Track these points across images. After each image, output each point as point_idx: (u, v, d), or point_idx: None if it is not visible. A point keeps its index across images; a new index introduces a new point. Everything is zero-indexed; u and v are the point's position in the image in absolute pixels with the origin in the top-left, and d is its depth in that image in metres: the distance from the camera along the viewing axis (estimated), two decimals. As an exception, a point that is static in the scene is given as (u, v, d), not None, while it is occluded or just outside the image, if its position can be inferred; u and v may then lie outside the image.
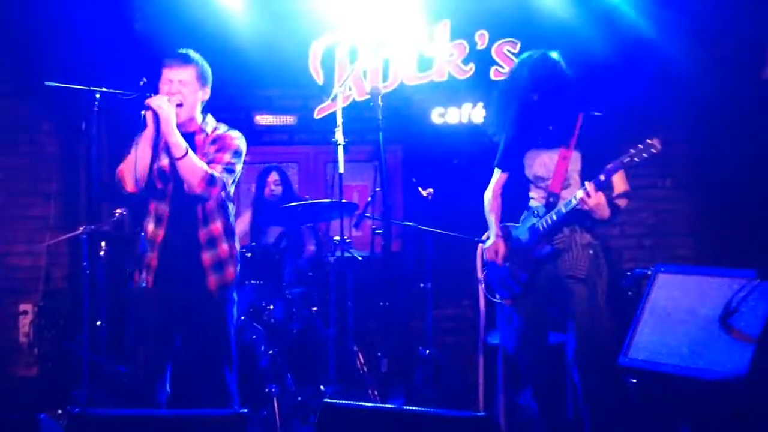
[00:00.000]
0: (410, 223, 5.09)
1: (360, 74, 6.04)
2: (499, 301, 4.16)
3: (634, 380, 3.64)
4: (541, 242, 3.86)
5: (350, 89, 6.00)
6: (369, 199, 5.18)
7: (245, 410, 2.89)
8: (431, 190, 5.12)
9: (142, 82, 3.61)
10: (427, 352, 5.14)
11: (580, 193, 3.67)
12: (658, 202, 6.27)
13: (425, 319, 5.14)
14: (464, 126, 6.09)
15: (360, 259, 5.23)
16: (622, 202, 3.84)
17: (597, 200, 3.65)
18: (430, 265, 5.10)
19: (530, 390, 4.13)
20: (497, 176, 4.16)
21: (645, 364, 3.38)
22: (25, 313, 5.83)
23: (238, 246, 3.85)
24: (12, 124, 5.95)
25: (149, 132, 3.58)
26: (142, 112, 3.54)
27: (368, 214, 5.14)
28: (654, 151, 3.53)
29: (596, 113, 3.90)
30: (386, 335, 4.82)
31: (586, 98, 3.93)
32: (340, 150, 4.38)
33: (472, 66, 6.00)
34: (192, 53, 3.74)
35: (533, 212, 3.93)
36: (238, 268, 3.82)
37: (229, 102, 5.97)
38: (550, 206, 3.84)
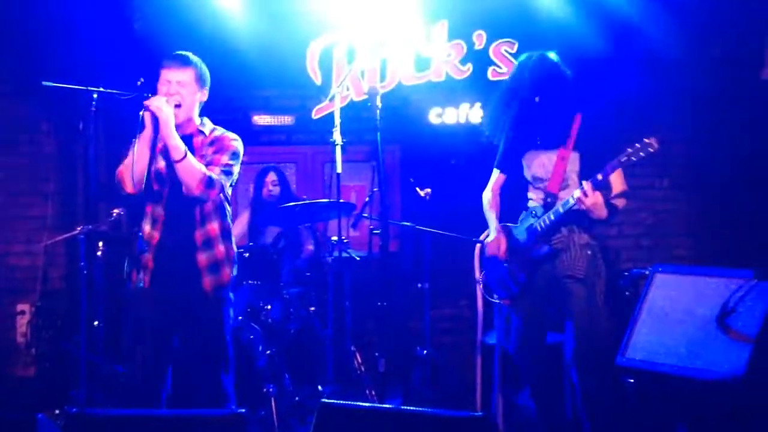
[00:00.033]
0: (408, 224, 5.09)
1: (358, 74, 6.04)
2: (497, 301, 4.16)
3: (632, 380, 3.64)
4: (539, 242, 3.87)
5: (348, 89, 6.00)
6: (367, 199, 5.18)
7: (243, 410, 2.89)
8: (429, 190, 5.12)
9: (139, 82, 3.61)
10: (425, 352, 5.14)
11: (577, 193, 3.67)
12: (656, 203, 6.27)
13: (423, 319, 5.14)
14: (462, 126, 6.09)
15: (358, 259, 5.23)
16: (620, 202, 3.85)
17: (594, 200, 3.65)
18: (427, 266, 5.10)
19: (528, 390, 4.13)
20: (496, 176, 4.17)
21: (642, 364, 3.39)
22: (23, 313, 5.82)
23: (235, 247, 3.85)
24: (10, 124, 5.94)
25: (147, 133, 3.58)
26: (141, 113, 3.54)
27: (366, 215, 5.14)
28: (651, 150, 3.54)
29: (594, 114, 3.91)
30: (384, 335, 4.82)
31: (584, 99, 3.94)
32: (338, 150, 4.38)
33: (469, 66, 6.00)
34: (191, 55, 3.74)
35: (531, 212, 3.93)
36: (235, 269, 3.82)
37: (227, 102, 5.97)
38: (548, 207, 3.85)
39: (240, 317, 4.89)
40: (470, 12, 5.99)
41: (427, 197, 5.11)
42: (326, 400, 2.98)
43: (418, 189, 5.14)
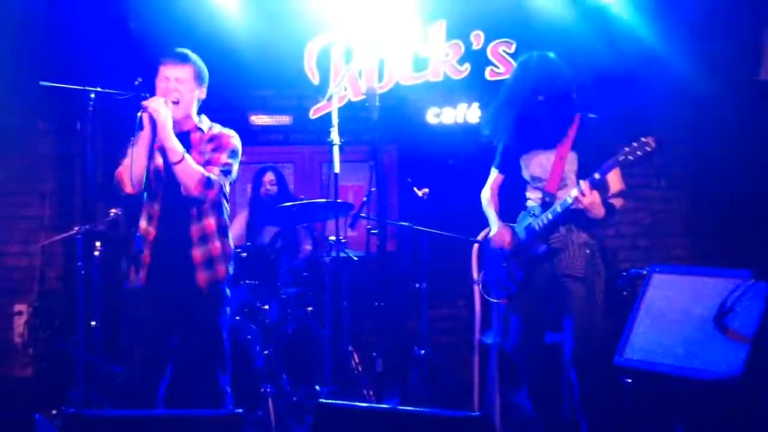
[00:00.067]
0: (405, 223, 5.09)
1: (355, 74, 6.03)
2: (496, 301, 4.16)
3: (629, 380, 3.64)
4: (537, 241, 3.87)
5: (346, 89, 6.00)
6: (364, 199, 5.17)
7: (240, 410, 2.88)
8: (426, 190, 5.12)
9: (137, 82, 3.61)
10: (423, 352, 5.14)
11: (575, 192, 3.67)
12: (653, 202, 6.28)
13: (420, 319, 5.14)
14: (459, 126, 6.09)
15: (355, 259, 5.22)
16: (617, 202, 3.85)
17: (592, 199, 3.65)
18: (425, 265, 5.09)
19: (526, 389, 4.13)
20: (494, 176, 4.17)
21: (640, 364, 3.39)
22: (20, 313, 5.82)
23: (232, 244, 3.85)
24: (7, 124, 5.92)
25: (146, 133, 3.58)
26: (139, 114, 3.54)
27: (363, 214, 5.13)
28: (648, 149, 3.54)
29: (591, 115, 3.91)
30: (381, 335, 4.81)
31: (582, 99, 3.94)
32: (336, 150, 4.38)
33: (467, 66, 5.99)
34: (189, 52, 3.75)
35: (530, 212, 3.94)
36: (232, 266, 3.81)
37: (225, 102, 5.96)
38: (546, 206, 3.85)
39: (237, 317, 4.89)
40: (468, 12, 5.99)
41: (425, 197, 5.11)
42: (324, 401, 2.99)
43: (415, 189, 5.14)
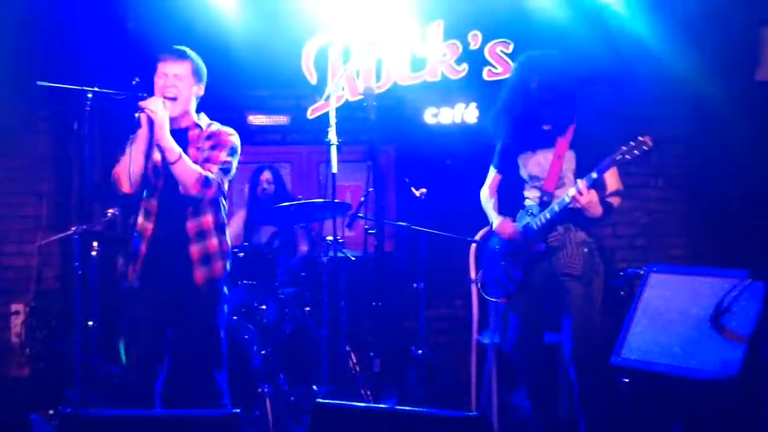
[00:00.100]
0: (403, 223, 5.09)
1: (353, 74, 6.03)
2: (494, 300, 4.16)
3: (627, 380, 3.65)
4: (535, 240, 3.87)
5: (343, 89, 6.00)
6: (362, 199, 5.16)
7: (238, 410, 2.88)
8: (424, 190, 5.11)
9: (134, 82, 3.62)
10: (420, 352, 5.13)
11: (572, 191, 3.68)
12: (650, 202, 6.28)
13: (418, 319, 5.14)
14: (457, 126, 6.09)
15: (353, 259, 5.22)
16: (615, 201, 3.85)
17: (589, 198, 3.66)
18: (423, 265, 5.09)
19: (523, 389, 4.13)
20: (492, 176, 4.18)
21: (637, 364, 3.40)
22: (17, 313, 5.81)
23: (229, 241, 3.85)
24: (5, 124, 5.92)
25: (143, 133, 3.58)
26: (136, 114, 3.54)
27: (361, 214, 5.13)
28: (645, 148, 3.54)
29: (590, 114, 3.91)
30: (379, 335, 4.80)
31: (581, 98, 3.94)
32: (333, 150, 4.37)
33: (465, 66, 5.99)
34: (188, 49, 3.76)
35: (528, 211, 3.94)
36: (229, 263, 3.81)
37: (222, 102, 5.90)
38: (544, 205, 3.86)
39: (235, 317, 4.88)
40: (466, 12, 5.99)
41: (423, 197, 5.11)
42: (321, 401, 2.98)
43: (413, 189, 5.14)
